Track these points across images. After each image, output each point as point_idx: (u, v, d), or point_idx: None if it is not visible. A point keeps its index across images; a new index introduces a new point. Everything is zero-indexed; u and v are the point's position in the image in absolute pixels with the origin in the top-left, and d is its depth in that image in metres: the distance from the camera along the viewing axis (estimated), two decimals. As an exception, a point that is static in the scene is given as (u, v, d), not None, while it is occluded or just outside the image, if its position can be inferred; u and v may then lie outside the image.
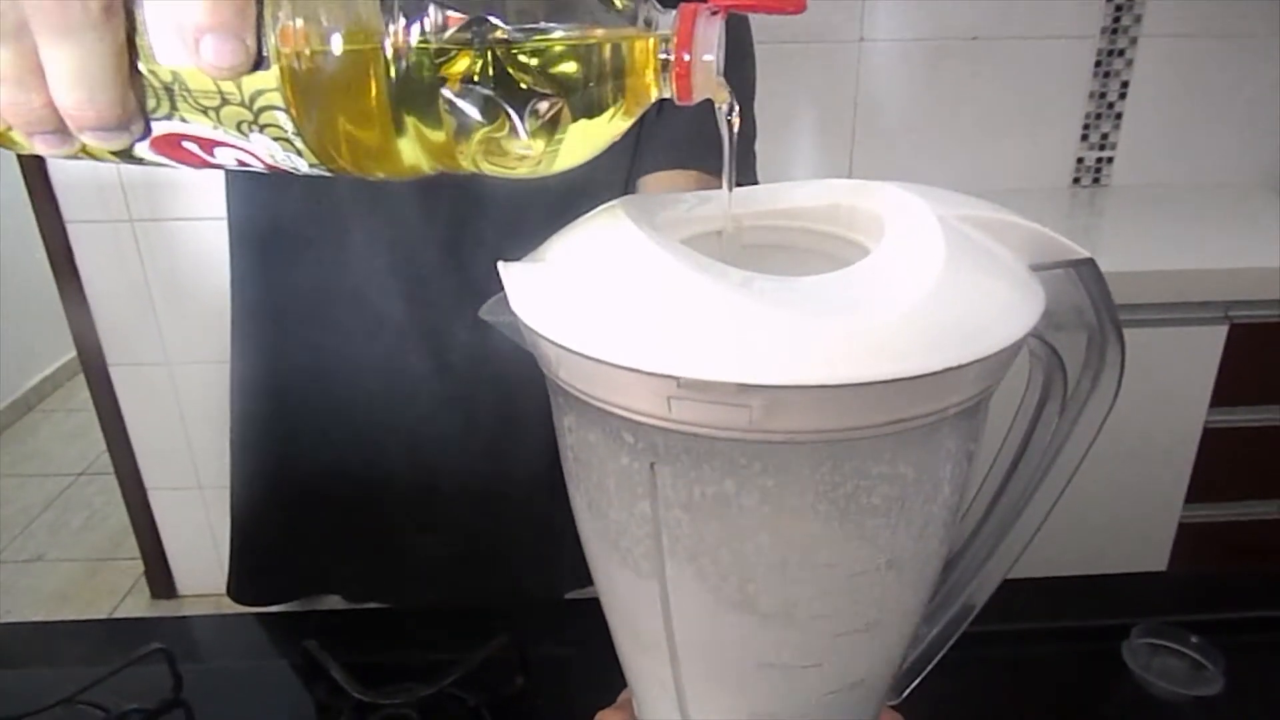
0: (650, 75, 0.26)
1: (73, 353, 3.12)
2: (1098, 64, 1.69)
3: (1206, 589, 0.76)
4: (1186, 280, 1.40)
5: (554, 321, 0.23)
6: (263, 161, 0.30)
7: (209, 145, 0.30)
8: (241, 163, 0.31)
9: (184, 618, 0.74)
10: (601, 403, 0.23)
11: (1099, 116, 1.74)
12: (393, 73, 0.25)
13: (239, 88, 0.27)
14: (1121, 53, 1.69)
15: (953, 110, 1.73)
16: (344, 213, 0.67)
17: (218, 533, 1.99)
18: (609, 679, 0.41)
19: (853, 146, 1.76)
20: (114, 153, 0.31)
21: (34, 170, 1.73)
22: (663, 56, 0.25)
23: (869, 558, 0.24)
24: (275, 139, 0.28)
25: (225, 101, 0.27)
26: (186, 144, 0.30)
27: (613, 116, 0.27)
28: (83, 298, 1.83)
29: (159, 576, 2.09)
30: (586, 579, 0.74)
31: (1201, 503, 1.50)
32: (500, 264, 0.26)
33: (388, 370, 0.71)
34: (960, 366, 0.21)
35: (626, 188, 0.68)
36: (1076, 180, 1.80)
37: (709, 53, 0.25)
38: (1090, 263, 0.28)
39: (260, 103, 0.27)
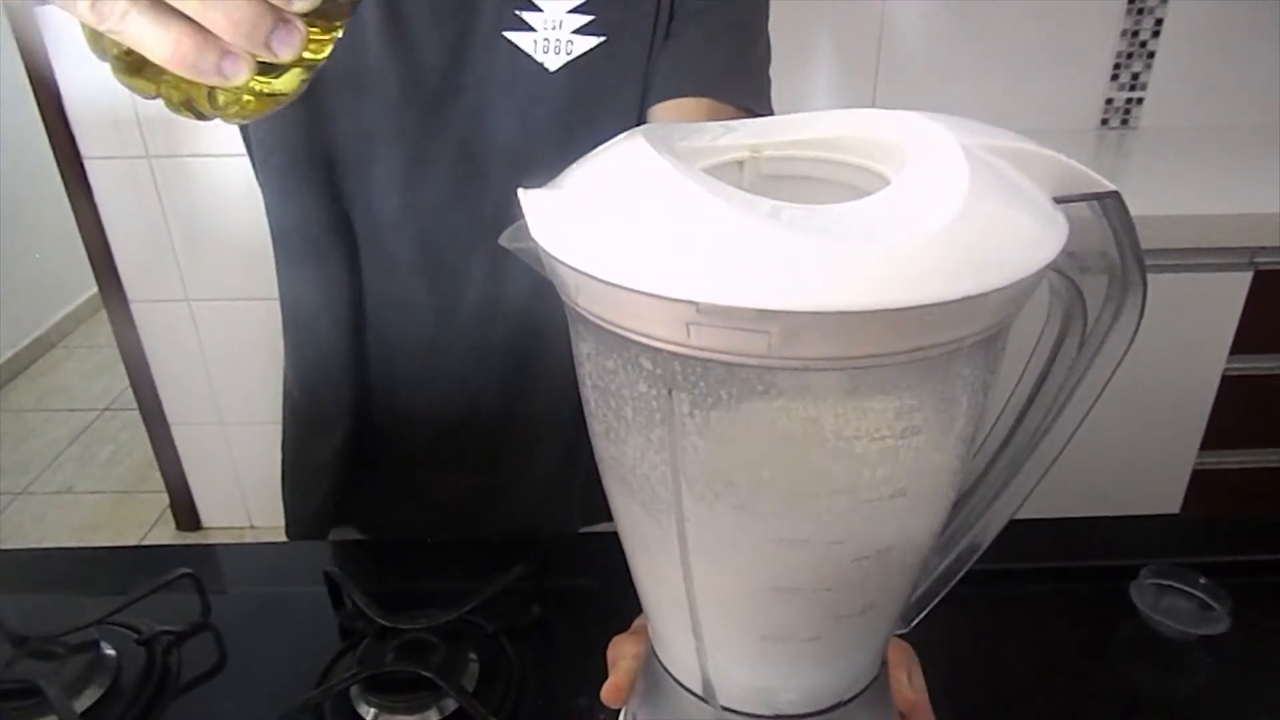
0: None
1: (94, 289, 3.16)
2: (1130, 1, 1.64)
3: (1215, 532, 0.76)
4: (1212, 225, 1.38)
5: (573, 247, 0.23)
6: None
7: None
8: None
9: (210, 545, 0.76)
10: (620, 329, 0.23)
11: (1130, 56, 1.69)
12: None
13: None
14: (1156, -13, 1.63)
15: (978, 47, 1.69)
16: (362, 154, 0.67)
17: (240, 467, 2.02)
18: (624, 608, 0.42)
19: (875, 83, 1.73)
20: (325, 23, 0.32)
21: (50, 106, 1.72)
22: None
23: (882, 486, 0.25)
24: None
25: None
26: None
27: None
28: (102, 234, 1.84)
29: (184, 509, 2.14)
30: (602, 514, 0.76)
31: (1216, 449, 1.50)
32: (520, 190, 0.26)
33: (403, 308, 0.72)
34: (979, 295, 0.21)
35: (639, 119, 0.68)
36: (1104, 122, 1.76)
37: None
38: (1115, 195, 0.28)
39: None
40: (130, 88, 0.32)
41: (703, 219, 0.22)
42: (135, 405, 2.08)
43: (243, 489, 2.14)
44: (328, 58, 0.34)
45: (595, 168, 0.26)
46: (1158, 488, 1.55)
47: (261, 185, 0.72)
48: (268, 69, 0.32)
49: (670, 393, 0.24)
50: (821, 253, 0.21)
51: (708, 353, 0.22)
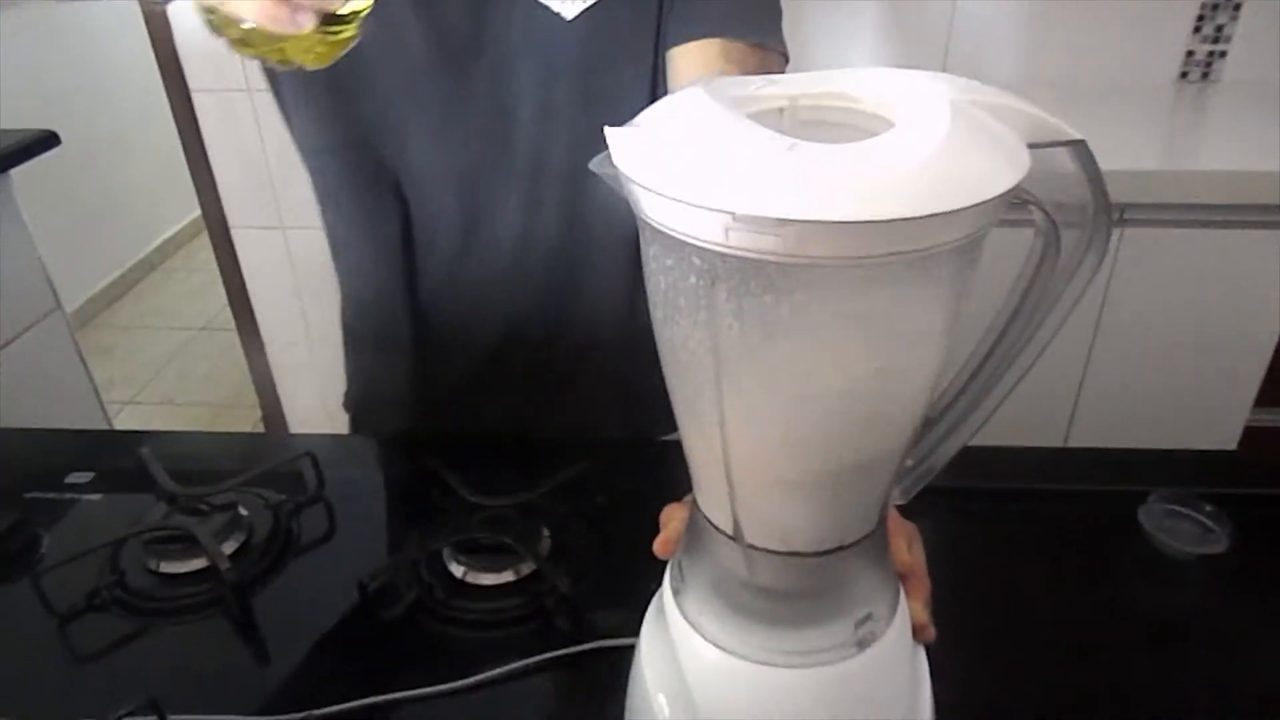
0: None
1: (191, 215, 3.35)
2: (1219, -51, 1.61)
3: (1224, 466, 0.81)
4: (1288, 182, 1.37)
5: (644, 170, 0.31)
6: None
7: None
8: None
9: (324, 435, 0.87)
10: (677, 233, 0.31)
11: (1215, 7, 1.66)
12: None
13: None
14: (1248, -63, 1.60)
15: (1057, -2, 1.68)
16: (397, 114, 0.72)
17: (327, 384, 2.17)
18: (677, 499, 0.50)
19: (950, 32, 1.73)
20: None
21: (163, 41, 1.84)
22: None
23: (873, 360, 0.32)
24: None
25: None
26: None
27: None
28: (207, 163, 1.97)
29: (275, 422, 2.30)
30: (647, 428, 0.82)
31: (1271, 407, 1.51)
32: (606, 129, 0.34)
33: (446, 249, 0.78)
34: (945, 213, 0.28)
35: (655, 62, 0.71)
36: (1184, 75, 1.73)
37: None
38: (1082, 144, 0.34)
39: None
40: (240, 53, 0.44)
41: (740, 151, 0.29)
42: (229, 325, 2.24)
43: (327, 405, 2.30)
44: (370, 8, 0.44)
45: (663, 110, 0.34)
46: (1209, 442, 1.57)
47: (301, 150, 0.78)
48: (330, 22, 0.43)
49: (713, 283, 0.32)
50: (828, 177, 0.28)
51: (741, 251, 0.30)
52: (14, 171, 1.58)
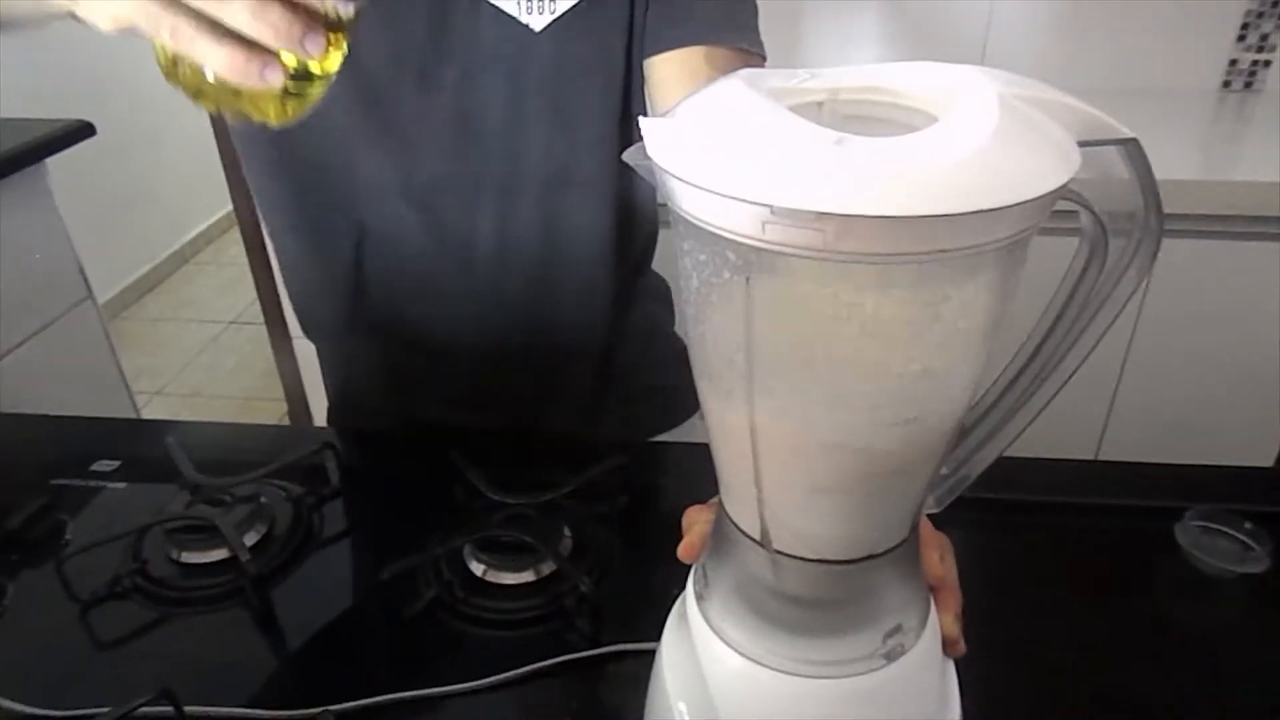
0: None
1: (222, 210, 3.38)
2: (1266, -43, 1.58)
3: (1261, 482, 0.79)
4: (1330, 196, 1.34)
5: (679, 162, 0.30)
6: None
7: None
8: None
9: (346, 429, 0.87)
10: (712, 227, 0.30)
11: (1260, 15, 1.63)
12: None
13: None
14: (1296, -56, 1.56)
15: (1098, 3, 1.65)
16: (357, 124, 0.69)
17: (351, 382, 2.18)
18: (699, 501, 0.49)
19: (988, 36, 1.71)
20: (336, 29, 0.41)
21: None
22: None
23: (911, 363, 0.31)
24: None
25: None
26: None
27: None
28: (238, 159, 1.99)
29: (300, 417, 2.32)
30: (637, 429, 0.80)
31: (1311, 423, 1.48)
32: (640, 119, 0.33)
33: (415, 266, 0.76)
34: (987, 211, 0.27)
35: (626, 70, 0.70)
36: (1227, 84, 1.70)
37: None
38: (1134, 142, 0.33)
39: None
40: (198, 104, 0.43)
41: (779, 142, 0.28)
42: (257, 320, 2.26)
43: (352, 402, 2.31)
44: (338, 72, 0.44)
45: (698, 101, 0.33)
46: (1245, 458, 1.53)
47: (247, 171, 0.76)
48: (298, 78, 0.42)
49: (748, 279, 0.31)
50: (868, 171, 0.27)
51: (778, 246, 0.29)
52: (49, 161, 1.60)
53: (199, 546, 0.66)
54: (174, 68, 0.42)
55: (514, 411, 0.84)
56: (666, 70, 0.69)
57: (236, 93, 0.42)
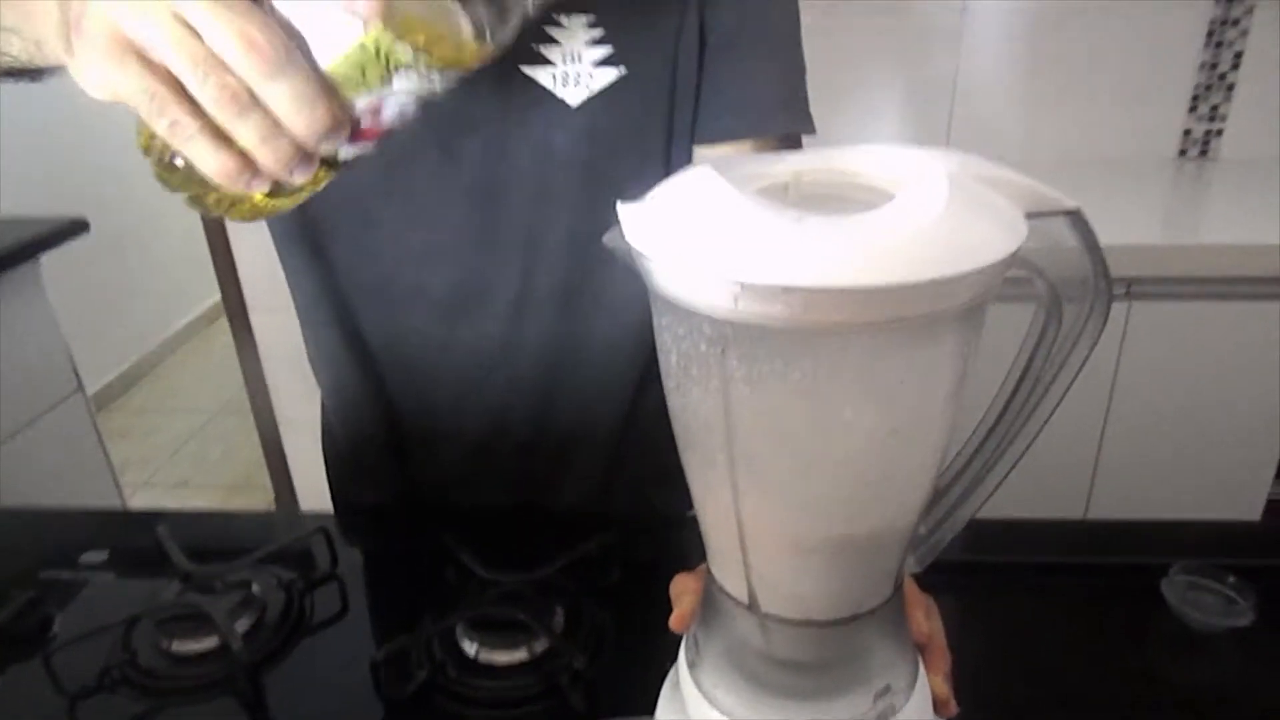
0: None
1: (210, 300, 3.41)
2: (1209, 34, 1.67)
3: (1243, 536, 0.80)
4: (1290, 255, 1.39)
5: (655, 244, 0.33)
6: (414, 97, 0.40)
7: (376, 110, 0.40)
8: (402, 111, 0.41)
9: (336, 512, 0.87)
10: (687, 303, 0.32)
11: (1209, 88, 1.71)
12: None
13: (364, 50, 0.37)
14: (1236, 22, 1.65)
15: (1056, 80, 1.73)
16: (379, 193, 0.68)
17: (340, 467, 2.18)
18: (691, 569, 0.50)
19: (951, 112, 1.78)
20: (330, 166, 0.42)
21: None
22: None
23: (880, 424, 0.33)
24: (409, 69, 0.38)
25: (366, 63, 0.37)
26: (364, 120, 0.41)
27: None
28: (229, 249, 2.03)
29: (287, 505, 2.30)
30: (648, 511, 0.79)
31: (1292, 479, 1.50)
32: (619, 204, 0.35)
33: (429, 341, 0.74)
34: (942, 279, 0.29)
35: (665, 150, 0.68)
36: (1183, 152, 1.77)
37: None
38: (1078, 213, 0.35)
39: (388, 50, 0.37)
40: (163, 183, 0.43)
41: (747, 223, 0.31)
42: (244, 409, 2.26)
43: (341, 488, 2.30)
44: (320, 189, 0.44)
45: (672, 187, 0.35)
46: (1233, 515, 1.55)
47: (278, 241, 0.75)
48: (277, 189, 0.42)
49: (723, 351, 0.33)
50: (831, 247, 0.30)
51: (750, 319, 0.31)
52: (43, 256, 1.63)
53: (189, 636, 0.65)
54: (152, 142, 0.41)
55: (524, 491, 0.82)
56: (713, 155, 0.67)
57: (205, 183, 0.41)
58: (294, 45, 0.36)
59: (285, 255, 0.77)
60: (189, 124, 0.37)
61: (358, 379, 0.79)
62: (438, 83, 0.40)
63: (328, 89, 0.37)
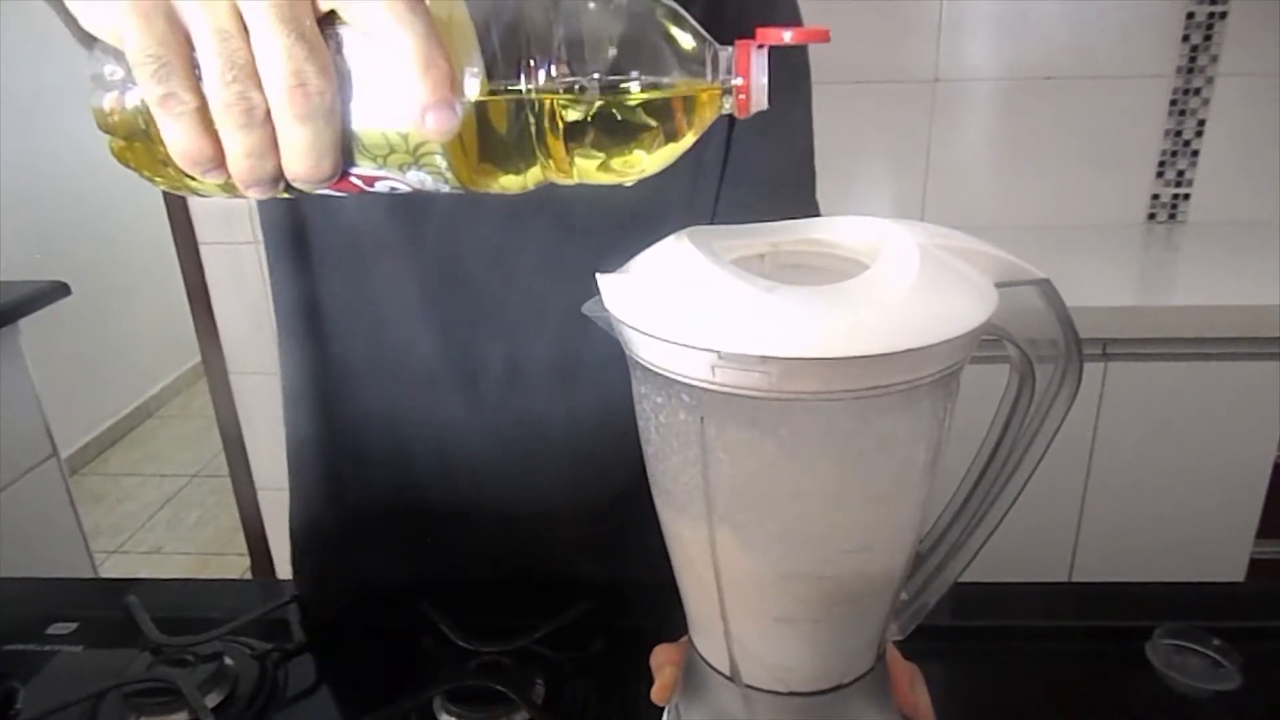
0: (717, 100, 0.34)
1: (188, 363, 3.39)
2: (1173, 103, 1.73)
3: (1227, 598, 0.80)
4: (1260, 315, 1.42)
5: (634, 313, 0.33)
6: (411, 187, 0.39)
7: (370, 180, 0.40)
8: (393, 189, 0.40)
9: (313, 577, 0.85)
10: (666, 372, 0.33)
11: (1175, 154, 1.76)
12: (529, 118, 0.34)
13: (406, 141, 0.36)
14: (1198, 91, 1.72)
15: (1027, 148, 1.78)
16: (374, 252, 0.68)
17: (318, 532, 2.15)
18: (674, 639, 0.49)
19: (926, 181, 1.83)
20: (291, 190, 0.41)
21: (174, 196, 1.93)
22: (728, 84, 0.34)
23: (859, 491, 0.33)
24: (430, 173, 0.37)
25: (393, 150, 0.37)
26: (353, 180, 0.40)
27: (690, 134, 0.35)
28: (210, 312, 2.02)
29: (263, 571, 2.26)
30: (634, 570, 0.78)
31: (1273, 538, 1.50)
32: (598, 275, 0.36)
33: (421, 402, 0.74)
34: (916, 349, 0.29)
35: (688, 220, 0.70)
36: (1152, 216, 1.82)
37: (762, 77, 0.33)
38: (1046, 282, 0.36)
39: (423, 150, 0.36)
40: (120, 159, 0.38)
41: (724, 294, 0.31)
42: (221, 472, 2.23)
43: (319, 553, 2.26)
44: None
45: (651, 257, 0.36)
46: (1216, 575, 1.55)
47: (271, 267, 0.73)
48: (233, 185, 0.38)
49: (702, 420, 0.33)
50: (807, 318, 0.30)
51: (728, 388, 0.31)
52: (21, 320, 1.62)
53: (159, 711, 0.63)
54: (119, 118, 0.37)
55: (504, 563, 0.80)
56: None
57: (163, 163, 0.37)
58: (339, 98, 0.33)
59: (280, 262, 0.74)
60: (186, 101, 0.33)
61: (339, 450, 0.78)
62: (445, 189, 0.38)
63: (341, 147, 0.35)
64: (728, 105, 0.34)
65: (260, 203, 0.72)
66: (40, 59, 2.74)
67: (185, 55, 0.33)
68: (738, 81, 0.33)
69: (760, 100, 0.34)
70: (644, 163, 0.34)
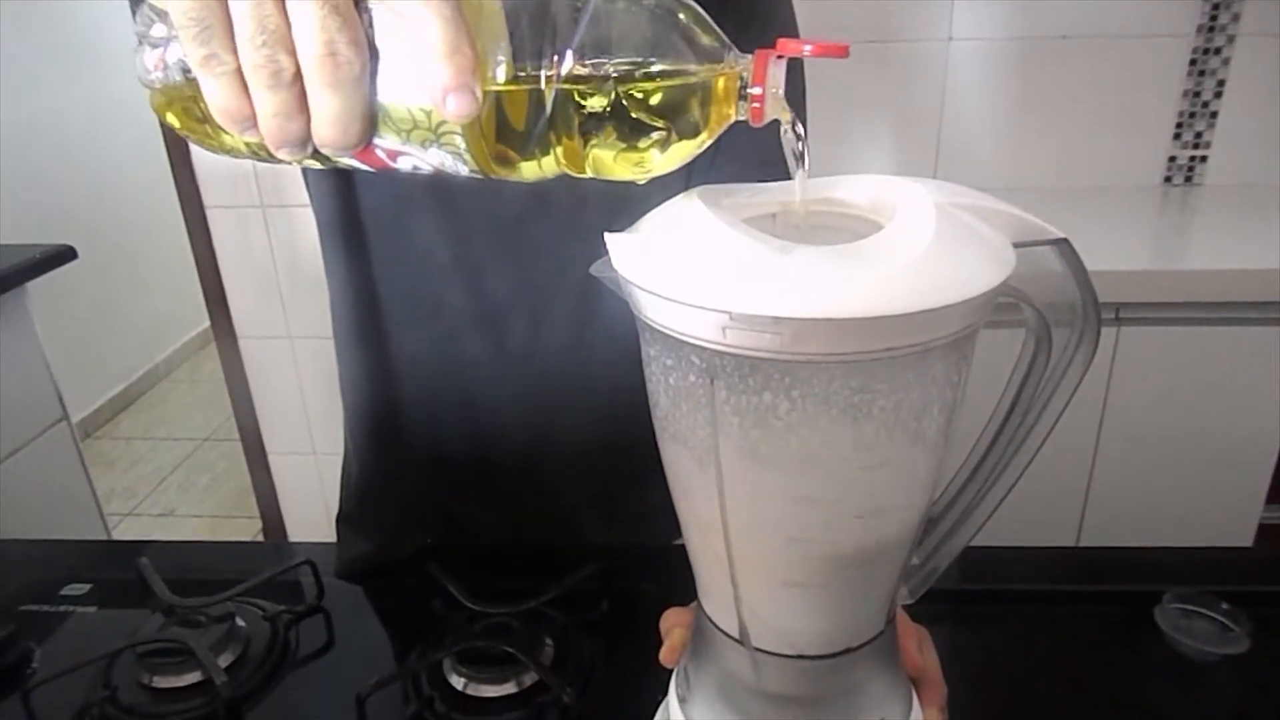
0: (733, 105, 0.34)
1: (197, 328, 3.40)
2: (1192, 62, 1.69)
3: (1237, 561, 0.80)
4: (1276, 281, 1.40)
5: (644, 274, 0.32)
6: (432, 166, 0.39)
7: (394, 154, 0.39)
8: (415, 167, 0.40)
9: (324, 543, 0.86)
10: (676, 333, 0.32)
11: (1193, 115, 1.73)
12: (547, 107, 0.34)
13: (429, 118, 0.36)
14: (1218, 51, 1.68)
15: (1041, 109, 1.75)
16: (414, 211, 0.73)
17: (329, 495, 2.16)
18: (682, 602, 0.49)
19: (939, 142, 1.80)
20: (322, 159, 0.41)
21: (180, 160, 1.92)
22: (746, 91, 0.34)
23: (870, 456, 0.33)
24: (450, 153, 0.37)
25: (416, 126, 0.37)
26: (378, 152, 0.40)
27: (704, 135, 0.35)
28: (218, 276, 2.02)
29: (275, 534, 2.28)
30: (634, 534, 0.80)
31: (1283, 503, 1.50)
32: (606, 234, 0.35)
33: (449, 355, 0.77)
34: (930, 310, 0.29)
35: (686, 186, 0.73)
36: (1168, 179, 1.79)
37: (778, 88, 0.34)
38: (1065, 242, 0.35)
39: (444, 129, 0.36)
40: (157, 110, 0.40)
41: (735, 253, 0.31)
42: (232, 436, 2.24)
43: (330, 516, 2.28)
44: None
45: (661, 217, 0.35)
46: (1225, 542, 1.55)
47: (323, 248, 0.78)
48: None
49: (712, 381, 0.32)
50: (820, 277, 0.29)
51: (739, 349, 0.30)
52: (29, 284, 1.62)
53: (171, 670, 0.64)
54: (176, 91, 0.38)
55: (517, 515, 0.83)
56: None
57: (207, 129, 0.39)
58: (368, 69, 0.34)
59: (326, 250, 0.79)
60: (226, 62, 0.35)
61: (379, 394, 0.81)
62: (464, 171, 0.38)
63: (369, 117, 0.36)
64: (742, 111, 0.34)
65: (313, 180, 0.77)
66: (45, 24, 2.72)
67: (226, 19, 0.34)
68: (755, 91, 0.33)
69: (776, 110, 0.34)
70: (657, 160, 0.34)
